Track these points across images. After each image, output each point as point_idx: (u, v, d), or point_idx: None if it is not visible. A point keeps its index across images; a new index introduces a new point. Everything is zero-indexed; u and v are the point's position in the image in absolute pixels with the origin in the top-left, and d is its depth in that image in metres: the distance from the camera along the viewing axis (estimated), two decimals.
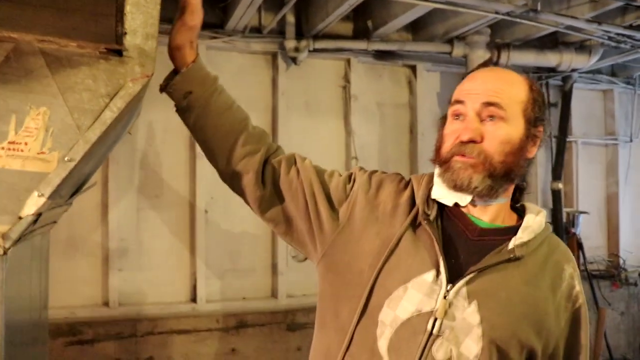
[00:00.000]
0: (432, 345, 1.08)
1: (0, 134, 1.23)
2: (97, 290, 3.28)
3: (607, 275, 4.70)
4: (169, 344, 3.25)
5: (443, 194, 1.19)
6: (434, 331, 1.09)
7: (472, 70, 1.25)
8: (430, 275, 1.12)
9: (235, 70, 3.66)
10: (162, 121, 3.42)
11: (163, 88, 1.34)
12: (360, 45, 3.70)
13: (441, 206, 1.21)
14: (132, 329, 3.20)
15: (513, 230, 1.17)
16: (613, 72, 4.82)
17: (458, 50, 3.74)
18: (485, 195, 1.15)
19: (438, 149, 1.21)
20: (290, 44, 3.59)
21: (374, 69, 4.00)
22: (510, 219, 1.23)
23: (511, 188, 1.21)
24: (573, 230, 4.47)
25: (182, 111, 1.35)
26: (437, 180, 1.21)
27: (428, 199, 1.21)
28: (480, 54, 3.70)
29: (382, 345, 1.12)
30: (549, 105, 4.45)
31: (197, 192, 3.45)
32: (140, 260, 3.36)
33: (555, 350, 1.15)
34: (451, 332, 1.09)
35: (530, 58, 3.89)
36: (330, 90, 3.91)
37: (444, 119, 1.24)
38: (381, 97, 4.03)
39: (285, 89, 3.72)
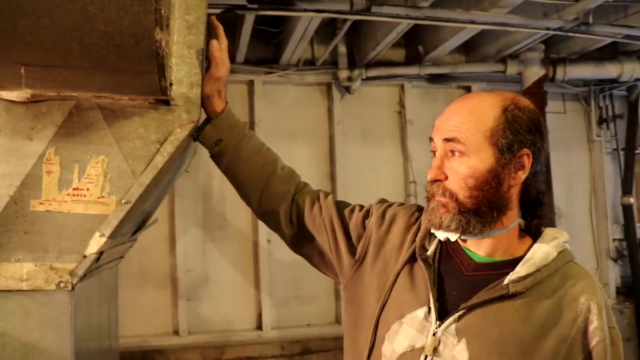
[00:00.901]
0: None
1: (66, 182, 1.36)
2: (168, 319, 3.44)
3: None
4: None
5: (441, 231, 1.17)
6: None
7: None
8: (422, 311, 1.12)
9: (291, 103, 3.79)
10: None
11: (196, 137, 1.43)
12: (413, 70, 3.74)
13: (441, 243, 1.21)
14: (201, 356, 3.33)
15: (514, 263, 1.11)
16: None
17: (512, 69, 3.71)
18: (467, 232, 1.12)
19: None
20: (343, 74, 3.68)
21: (428, 92, 4.02)
22: (518, 249, 1.16)
23: (510, 217, 1.14)
24: None
25: (215, 157, 1.46)
26: None
27: (429, 233, 1.21)
28: (535, 71, 3.65)
29: None
30: (614, 118, 4.29)
31: (258, 222, 3.56)
32: (207, 290, 3.51)
33: None
34: None
35: (588, 71, 3.79)
36: (385, 116, 3.96)
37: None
38: None
39: (341, 117, 3.80)
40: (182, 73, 1.41)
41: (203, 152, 3.59)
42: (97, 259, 1.39)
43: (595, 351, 1.06)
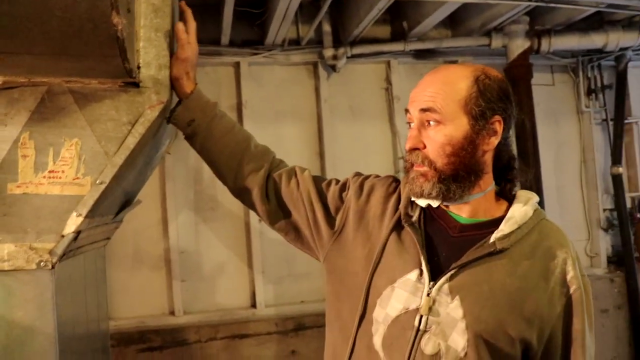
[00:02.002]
0: (420, 340, 1.13)
1: (42, 165, 1.41)
2: (163, 300, 3.51)
3: None
4: (232, 348, 3.43)
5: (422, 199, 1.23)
6: (421, 327, 1.14)
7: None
8: (414, 274, 1.18)
9: (278, 83, 3.81)
10: None
11: (168, 119, 1.47)
12: (397, 47, 3.75)
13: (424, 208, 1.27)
14: (196, 335, 3.40)
15: (496, 223, 1.19)
16: None
17: (497, 42, 3.71)
18: (447, 198, 1.19)
19: None
20: (329, 52, 3.69)
21: (414, 68, 4.03)
22: (496, 210, 1.24)
23: (486, 181, 1.22)
24: (639, 215, 4.30)
25: (189, 138, 1.49)
26: None
27: (411, 200, 1.27)
28: (520, 43, 3.66)
29: (377, 341, 1.19)
30: (603, 88, 4.30)
31: None
32: (201, 271, 3.57)
33: (552, 338, 1.16)
34: (437, 327, 1.13)
35: (573, 42, 3.79)
36: (372, 93, 3.98)
37: None
38: None
39: (328, 96, 3.82)
40: (150, 56, 1.45)
41: None
42: (75, 238, 1.44)
43: (574, 297, 1.17)
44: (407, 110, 1.23)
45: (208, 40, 3.58)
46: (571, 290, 1.17)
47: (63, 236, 1.41)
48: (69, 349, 1.57)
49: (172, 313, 3.48)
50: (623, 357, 4.10)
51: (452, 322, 1.13)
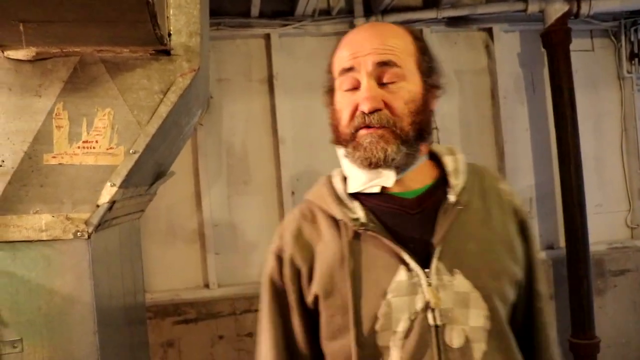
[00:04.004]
0: (443, 336, 0.99)
1: (75, 135, 1.42)
2: (198, 273, 3.55)
3: None
4: None
5: (362, 181, 1.08)
6: (439, 322, 0.99)
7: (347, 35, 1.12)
8: (401, 274, 1.01)
9: (309, 54, 3.76)
10: (242, 112, 3.60)
11: None
12: (430, 14, 3.65)
13: (361, 202, 1.09)
14: (230, 307, 3.44)
15: (443, 182, 1.10)
16: None
17: (533, 7, 3.58)
18: (404, 164, 1.06)
19: (335, 127, 1.10)
20: (360, 22, 3.61)
21: (447, 37, 3.93)
22: (433, 171, 1.13)
23: (425, 146, 1.11)
24: None
25: None
26: (348, 167, 1.11)
27: (342, 205, 1.09)
28: (558, 7, 3.51)
29: None
30: None
31: (282, 175, 3.60)
32: (234, 244, 3.59)
33: (526, 268, 1.11)
34: (454, 313, 1.00)
35: (615, 3, 3.62)
36: None
37: (330, 93, 1.12)
38: (458, 65, 3.95)
39: None
40: (181, 23, 1.43)
41: (225, 108, 3.63)
42: (110, 208, 1.45)
43: (526, 221, 1.13)
44: (344, 70, 1.05)
45: (238, 12, 3.55)
46: (522, 216, 1.13)
47: (98, 206, 1.42)
48: (107, 320, 1.59)
49: (206, 286, 3.52)
50: None
51: (464, 299, 1.01)
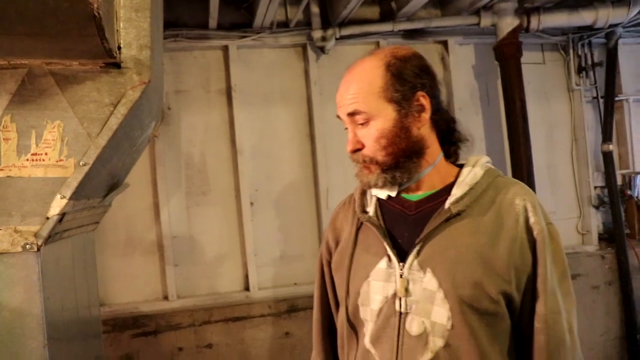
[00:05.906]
0: (404, 323, 1.16)
1: (24, 148, 1.41)
2: (157, 285, 3.52)
3: None
4: (226, 331, 3.45)
5: (376, 189, 1.29)
6: (403, 310, 1.16)
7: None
8: (383, 262, 1.21)
9: (267, 66, 3.79)
10: (201, 123, 3.60)
11: None
12: (386, 27, 3.73)
13: (379, 200, 1.31)
14: (190, 319, 3.42)
15: (448, 190, 1.22)
16: None
17: (486, 21, 3.69)
18: (396, 184, 1.23)
19: None
20: (317, 34, 3.67)
21: None
22: (449, 178, 1.26)
23: (432, 154, 1.24)
24: (629, 192, 4.32)
25: None
26: None
27: (364, 198, 1.33)
28: (509, 21, 3.64)
29: (367, 340, 1.22)
30: (594, 66, 4.30)
31: (241, 186, 3.61)
32: (193, 255, 3.58)
33: (529, 282, 1.16)
34: (418, 305, 1.15)
35: (563, 19, 3.78)
36: None
37: None
38: None
39: (318, 78, 3.80)
40: (131, 36, 1.44)
41: (183, 119, 3.62)
42: (60, 220, 1.44)
43: (538, 240, 1.16)
44: (338, 116, 1.26)
45: (196, 24, 3.56)
46: (535, 234, 1.17)
47: (48, 218, 1.42)
48: (58, 333, 1.57)
49: (165, 298, 3.49)
50: (614, 332, 4.14)
51: (430, 296, 1.14)
